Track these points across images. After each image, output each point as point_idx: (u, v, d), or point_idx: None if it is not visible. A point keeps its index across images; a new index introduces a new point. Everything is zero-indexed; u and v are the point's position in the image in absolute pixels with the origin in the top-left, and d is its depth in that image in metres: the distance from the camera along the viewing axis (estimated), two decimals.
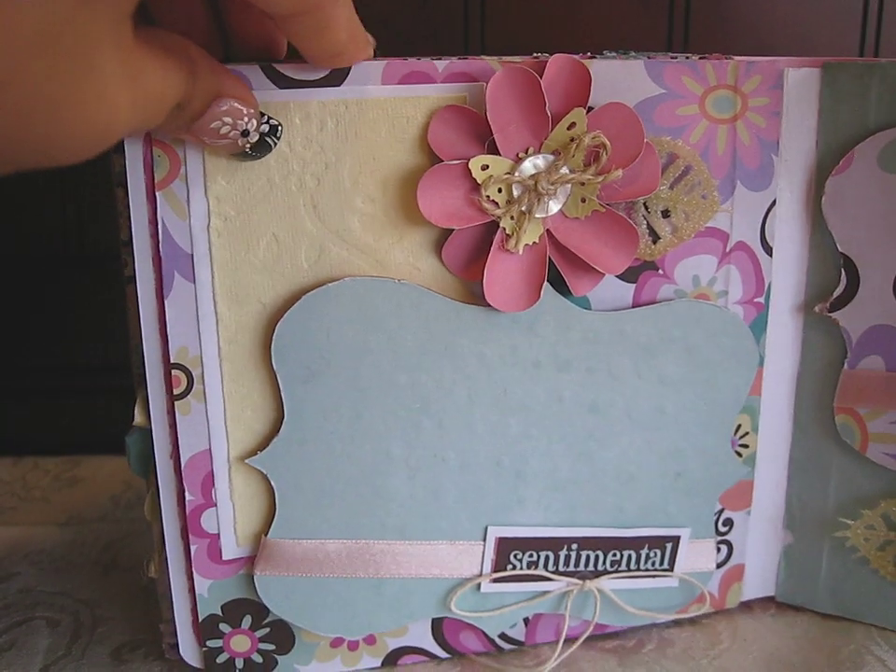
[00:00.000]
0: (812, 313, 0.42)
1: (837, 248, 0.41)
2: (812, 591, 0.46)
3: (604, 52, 0.39)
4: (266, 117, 0.34)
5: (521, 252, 0.37)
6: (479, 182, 0.36)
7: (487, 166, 0.36)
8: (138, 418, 0.37)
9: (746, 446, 0.43)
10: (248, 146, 0.34)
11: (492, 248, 0.36)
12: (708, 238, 0.40)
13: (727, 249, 0.40)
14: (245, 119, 0.33)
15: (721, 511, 0.43)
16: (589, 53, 0.38)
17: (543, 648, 0.43)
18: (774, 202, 0.41)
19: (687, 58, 0.38)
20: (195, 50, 0.31)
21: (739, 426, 0.42)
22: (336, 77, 0.35)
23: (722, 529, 0.44)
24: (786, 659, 0.43)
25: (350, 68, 0.35)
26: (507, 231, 0.36)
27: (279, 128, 0.35)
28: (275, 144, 0.35)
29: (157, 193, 0.35)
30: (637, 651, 0.44)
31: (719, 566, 0.44)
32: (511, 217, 0.36)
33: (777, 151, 0.40)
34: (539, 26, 0.62)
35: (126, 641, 0.43)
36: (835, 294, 0.41)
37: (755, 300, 0.41)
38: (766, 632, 0.45)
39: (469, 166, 0.35)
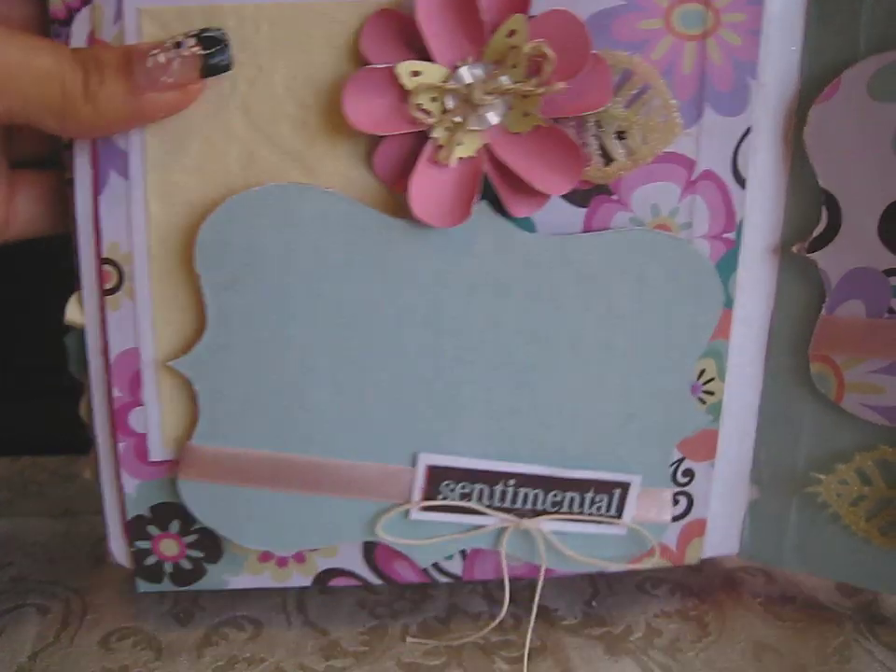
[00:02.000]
0: (789, 252, 0.39)
1: (819, 183, 0.38)
2: (778, 548, 0.43)
3: None
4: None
5: (453, 164, 0.35)
6: (408, 89, 0.34)
7: (419, 73, 0.34)
8: (69, 315, 0.37)
9: (710, 393, 0.40)
10: (200, 50, 0.34)
11: (420, 158, 0.35)
12: (670, 164, 0.37)
13: (692, 178, 0.37)
14: (166, 43, 0.33)
15: (680, 461, 0.41)
16: None
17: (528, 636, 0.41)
18: (748, 129, 0.37)
19: None
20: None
21: (703, 370, 0.40)
22: None
23: (682, 480, 0.41)
24: (774, 650, 0.42)
25: None
26: (439, 142, 0.35)
27: (210, 28, 0.34)
28: (224, 35, 0.34)
29: None
30: (625, 639, 0.42)
31: (677, 518, 0.42)
32: (445, 128, 0.35)
33: (755, 74, 0.37)
34: None
35: (114, 629, 0.43)
36: (815, 233, 0.38)
37: (724, 235, 0.38)
38: (754, 623, 0.43)
39: (397, 71, 0.34)
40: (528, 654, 0.40)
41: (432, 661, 0.41)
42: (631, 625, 0.43)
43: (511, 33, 0.34)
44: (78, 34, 0.35)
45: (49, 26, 0.35)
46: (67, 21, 0.35)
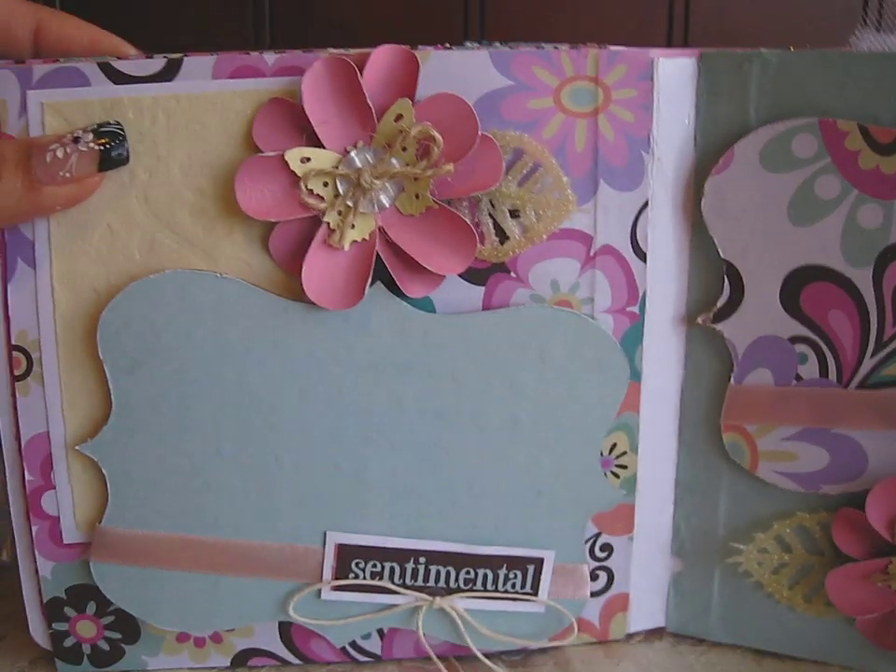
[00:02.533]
0: (694, 324, 0.39)
1: (719, 254, 0.37)
2: (705, 620, 0.42)
3: (465, 43, 0.38)
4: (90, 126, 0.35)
5: (346, 248, 0.36)
6: (298, 175, 0.35)
7: (309, 159, 0.35)
8: None
9: (624, 467, 0.40)
10: (97, 145, 0.35)
11: (313, 242, 0.35)
12: (567, 240, 0.37)
13: (591, 253, 0.37)
14: (65, 138, 0.35)
15: (597, 536, 0.40)
16: (447, 45, 0.37)
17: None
18: (646, 203, 0.37)
19: (539, 48, 0.36)
20: None
21: (615, 445, 0.39)
22: (169, 72, 0.35)
23: (600, 555, 0.41)
24: (774, 655, 0.42)
25: (182, 62, 0.36)
26: (331, 226, 0.36)
27: (109, 122, 0.36)
28: (121, 129, 0.35)
29: None
30: (625, 643, 0.42)
31: (597, 594, 0.41)
32: (338, 212, 0.35)
33: (648, 148, 0.37)
34: (537, 29, 0.61)
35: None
36: (719, 304, 0.38)
37: (627, 309, 0.38)
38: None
39: (286, 158, 0.35)
40: (528, 661, 0.41)
41: (433, 664, 0.41)
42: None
43: (398, 117, 0.35)
44: None
45: None
46: None
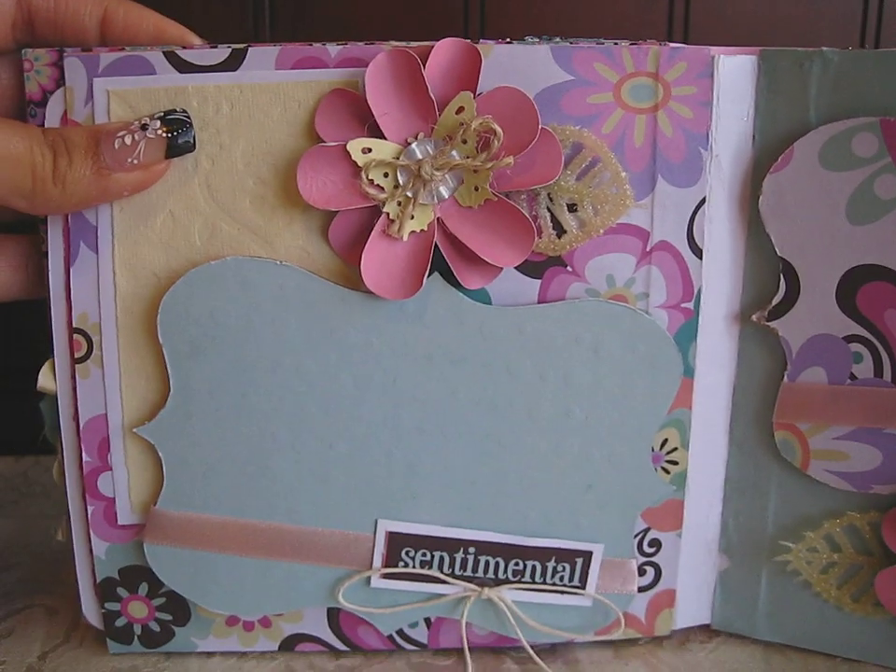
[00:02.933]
0: (749, 321, 0.39)
1: (776, 252, 0.38)
2: (751, 618, 0.42)
3: (525, 38, 0.38)
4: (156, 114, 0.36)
5: (405, 238, 0.36)
6: (360, 165, 0.35)
7: (370, 149, 0.35)
8: (41, 382, 0.39)
9: (675, 462, 0.40)
10: (164, 132, 0.36)
11: (372, 232, 0.36)
12: (624, 235, 0.37)
13: (647, 248, 0.38)
14: (133, 125, 0.35)
15: (646, 531, 0.40)
16: (508, 39, 0.37)
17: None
18: (703, 199, 0.38)
19: (600, 43, 0.36)
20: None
21: (666, 440, 0.39)
22: (233, 62, 0.36)
23: (648, 550, 0.41)
24: (783, 653, 0.42)
25: (247, 52, 0.36)
26: (391, 217, 0.36)
27: (175, 110, 0.36)
28: (187, 116, 0.36)
29: None
30: (634, 642, 0.43)
31: (645, 589, 0.41)
32: (398, 203, 0.36)
33: (707, 145, 0.37)
34: (537, 28, 0.61)
35: None
36: (774, 302, 0.38)
37: (682, 305, 0.38)
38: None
39: (348, 148, 0.35)
40: (537, 658, 0.41)
41: (442, 661, 0.41)
42: None
43: (460, 109, 0.35)
44: (53, 114, 0.36)
45: (26, 107, 0.37)
46: (42, 103, 0.36)
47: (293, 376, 0.38)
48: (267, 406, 0.38)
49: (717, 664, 0.41)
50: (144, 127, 0.35)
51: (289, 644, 0.42)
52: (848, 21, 0.55)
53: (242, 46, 0.36)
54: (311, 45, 0.36)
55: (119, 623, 0.41)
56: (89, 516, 0.40)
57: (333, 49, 0.36)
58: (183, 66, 0.36)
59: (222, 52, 0.36)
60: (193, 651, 0.42)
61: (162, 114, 0.36)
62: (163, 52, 0.36)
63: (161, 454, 0.38)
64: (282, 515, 0.39)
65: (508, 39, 0.37)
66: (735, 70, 0.37)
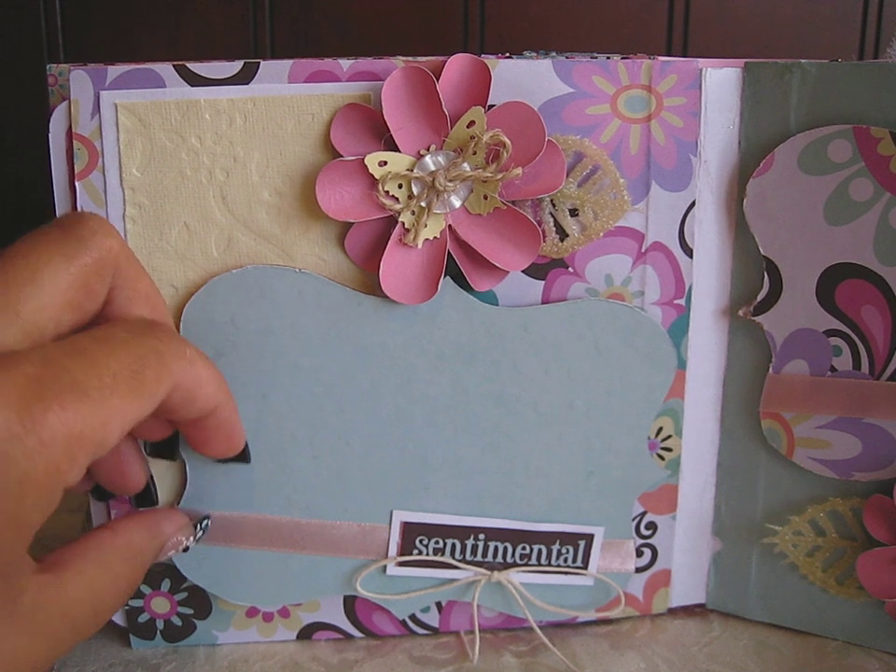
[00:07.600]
0: (736, 316, 0.41)
1: (760, 251, 0.40)
2: (742, 598, 0.45)
3: (524, 53, 0.40)
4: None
5: (420, 246, 0.38)
6: (376, 178, 0.37)
7: (385, 162, 0.37)
8: None
9: (669, 449, 0.43)
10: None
11: (389, 241, 0.38)
12: (621, 237, 0.40)
13: (642, 249, 0.40)
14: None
15: (643, 514, 0.43)
16: (508, 54, 0.39)
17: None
18: (693, 203, 0.40)
19: (594, 57, 0.39)
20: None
21: (661, 428, 0.42)
22: (245, 75, 0.37)
23: (645, 533, 0.44)
24: (775, 648, 0.44)
25: (259, 66, 0.37)
26: (406, 226, 0.38)
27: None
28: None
29: (76, 183, 0.38)
30: (631, 635, 0.45)
31: (642, 569, 0.44)
32: (412, 213, 0.38)
33: (696, 152, 0.40)
34: (538, 28, 0.62)
35: None
36: (759, 298, 0.41)
37: (675, 301, 0.41)
38: (757, 622, 0.45)
39: (366, 162, 0.37)
40: (535, 650, 0.43)
41: (442, 654, 0.43)
42: (636, 624, 0.45)
43: (471, 123, 0.37)
44: (57, 129, 0.37)
45: None
46: None
47: (311, 377, 0.39)
48: (286, 406, 0.40)
49: (711, 657, 0.43)
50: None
51: (307, 633, 0.43)
52: (848, 22, 0.57)
53: (254, 60, 0.38)
54: (323, 59, 0.38)
55: (142, 619, 0.42)
56: (112, 516, 0.41)
57: (346, 63, 0.38)
58: (194, 80, 0.37)
59: (234, 66, 0.37)
60: (214, 644, 0.43)
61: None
62: (173, 66, 0.37)
63: (183, 453, 0.40)
64: (301, 510, 0.41)
65: (508, 54, 0.39)
66: (721, 81, 0.39)
